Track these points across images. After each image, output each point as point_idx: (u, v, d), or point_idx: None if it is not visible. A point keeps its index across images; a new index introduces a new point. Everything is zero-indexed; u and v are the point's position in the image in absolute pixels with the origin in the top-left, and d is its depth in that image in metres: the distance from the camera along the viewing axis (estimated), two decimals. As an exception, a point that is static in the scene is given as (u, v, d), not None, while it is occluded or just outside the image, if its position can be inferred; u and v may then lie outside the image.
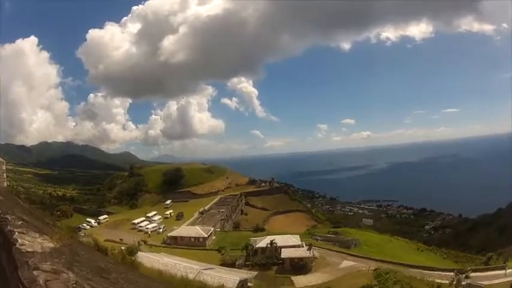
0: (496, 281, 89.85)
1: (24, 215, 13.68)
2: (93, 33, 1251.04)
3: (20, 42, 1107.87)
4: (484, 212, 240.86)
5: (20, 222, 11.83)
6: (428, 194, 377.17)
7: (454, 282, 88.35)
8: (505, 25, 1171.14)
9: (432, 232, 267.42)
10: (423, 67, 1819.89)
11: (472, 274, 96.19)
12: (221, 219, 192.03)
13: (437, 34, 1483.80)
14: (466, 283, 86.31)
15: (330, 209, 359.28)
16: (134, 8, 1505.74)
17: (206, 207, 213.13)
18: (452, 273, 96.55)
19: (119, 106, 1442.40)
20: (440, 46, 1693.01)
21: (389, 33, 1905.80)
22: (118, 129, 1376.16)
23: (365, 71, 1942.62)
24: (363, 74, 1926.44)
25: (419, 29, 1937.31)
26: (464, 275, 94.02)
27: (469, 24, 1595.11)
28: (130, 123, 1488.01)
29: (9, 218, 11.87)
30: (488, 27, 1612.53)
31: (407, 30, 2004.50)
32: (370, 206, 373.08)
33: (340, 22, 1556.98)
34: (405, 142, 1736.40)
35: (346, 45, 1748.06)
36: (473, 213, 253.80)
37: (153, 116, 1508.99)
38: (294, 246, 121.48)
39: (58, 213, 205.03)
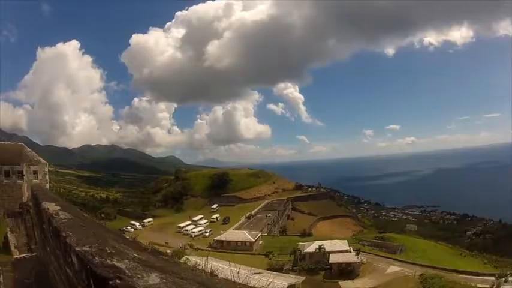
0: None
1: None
2: (137, 38, 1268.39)
3: (60, 45, 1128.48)
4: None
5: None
6: (470, 199, 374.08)
7: (494, 286, 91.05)
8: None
9: (474, 238, 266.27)
10: (465, 72, 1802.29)
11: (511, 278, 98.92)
12: (268, 224, 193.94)
13: (477, 38, 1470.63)
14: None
15: (375, 214, 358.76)
16: (178, 13, 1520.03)
17: (253, 212, 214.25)
18: (493, 278, 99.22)
19: (164, 110, 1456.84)
20: (481, 50, 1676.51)
21: (432, 38, 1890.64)
22: (163, 133, 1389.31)
23: (409, 76, 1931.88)
24: (407, 80, 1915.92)
25: (460, 34, 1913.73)
26: (503, 279, 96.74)
27: (506, 28, 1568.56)
28: (175, 127, 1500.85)
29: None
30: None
31: (448, 35, 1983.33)
32: (414, 211, 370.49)
33: (384, 27, 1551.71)
34: (449, 148, 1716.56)
35: (390, 51, 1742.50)
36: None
37: (199, 120, 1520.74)
38: (341, 252, 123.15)
39: (102, 215, 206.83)
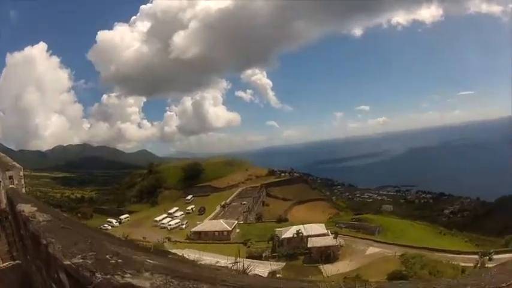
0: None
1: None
2: (102, 35, 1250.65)
3: (28, 49, 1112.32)
4: (501, 195, 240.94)
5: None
6: (446, 178, 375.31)
7: (479, 265, 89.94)
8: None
9: (451, 216, 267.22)
10: (435, 51, 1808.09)
11: (495, 256, 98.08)
12: (244, 212, 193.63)
13: (447, 17, 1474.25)
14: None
15: (349, 196, 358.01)
16: (142, 6, 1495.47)
17: (228, 201, 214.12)
18: (475, 256, 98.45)
19: (133, 105, 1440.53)
20: (451, 29, 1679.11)
21: (400, 17, 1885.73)
22: (133, 128, 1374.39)
23: (378, 56, 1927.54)
24: (376, 60, 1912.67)
25: (429, 12, 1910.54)
26: (487, 257, 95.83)
27: (477, 6, 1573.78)
28: (145, 121, 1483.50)
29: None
30: (496, 8, 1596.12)
31: (417, 14, 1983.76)
32: (388, 191, 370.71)
33: (351, 8, 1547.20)
34: (421, 127, 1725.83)
35: (358, 32, 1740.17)
36: (491, 196, 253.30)
37: (168, 112, 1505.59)
38: (319, 235, 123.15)
39: (78, 215, 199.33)
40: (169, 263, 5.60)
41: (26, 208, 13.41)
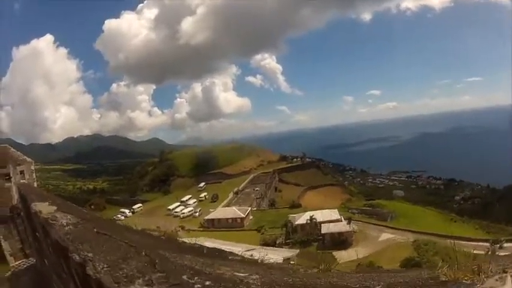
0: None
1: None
2: (109, 24, 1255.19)
3: (35, 42, 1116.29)
4: (510, 181, 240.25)
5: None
6: (456, 164, 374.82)
7: (490, 252, 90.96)
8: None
9: (462, 203, 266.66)
10: (444, 37, 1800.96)
11: (506, 244, 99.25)
12: (256, 198, 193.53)
13: (456, 3, 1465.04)
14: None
15: (361, 181, 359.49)
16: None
17: (240, 187, 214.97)
18: (486, 244, 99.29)
19: (143, 93, 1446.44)
20: (460, 15, 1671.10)
21: (409, 2, 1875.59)
22: (144, 116, 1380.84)
23: (387, 41, 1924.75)
24: (386, 45, 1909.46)
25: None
26: (498, 245, 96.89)
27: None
28: (155, 109, 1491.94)
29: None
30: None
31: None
32: (400, 177, 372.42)
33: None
34: (431, 112, 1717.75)
35: (367, 16, 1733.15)
36: (501, 183, 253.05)
37: (178, 99, 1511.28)
38: (333, 221, 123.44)
39: (91, 206, 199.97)
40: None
41: (44, 208, 11.64)
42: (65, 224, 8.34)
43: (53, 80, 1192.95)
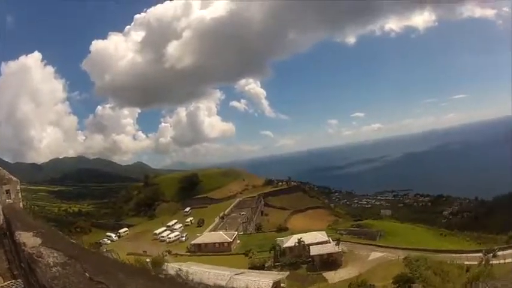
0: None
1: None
2: (96, 45, 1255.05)
3: (23, 58, 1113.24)
4: (499, 193, 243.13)
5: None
6: (442, 180, 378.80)
7: (483, 262, 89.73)
8: (505, 9, 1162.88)
9: (451, 217, 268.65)
10: (429, 56, 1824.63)
11: (499, 253, 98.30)
12: (243, 222, 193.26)
13: (440, 22, 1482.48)
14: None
15: (347, 203, 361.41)
16: (137, 16, 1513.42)
17: (226, 212, 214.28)
18: (479, 254, 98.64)
19: (128, 116, 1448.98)
20: (444, 34, 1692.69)
21: (393, 24, 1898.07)
22: (128, 139, 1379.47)
23: (371, 63, 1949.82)
24: (370, 67, 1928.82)
25: (422, 18, 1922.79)
26: (491, 254, 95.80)
27: (471, 10, 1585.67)
28: (140, 132, 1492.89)
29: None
30: (489, 12, 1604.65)
31: (410, 20, 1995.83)
32: (386, 197, 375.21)
33: (345, 16, 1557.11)
34: (416, 132, 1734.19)
35: (351, 39, 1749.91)
36: (489, 195, 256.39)
37: (163, 123, 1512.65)
38: (321, 243, 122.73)
39: (77, 229, 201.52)
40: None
41: (28, 239, 11.54)
42: (51, 263, 7.84)
43: (40, 98, 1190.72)
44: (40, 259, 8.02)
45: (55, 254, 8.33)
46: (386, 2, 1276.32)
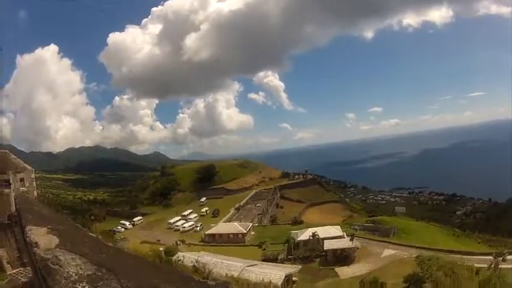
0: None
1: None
2: (114, 37, 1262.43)
3: (39, 51, 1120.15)
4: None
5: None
6: (458, 179, 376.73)
7: (493, 266, 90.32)
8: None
9: (464, 217, 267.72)
10: (446, 52, 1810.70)
11: (509, 257, 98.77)
12: (258, 214, 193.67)
13: (457, 18, 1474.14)
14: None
15: (363, 198, 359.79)
16: (154, 9, 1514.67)
17: (242, 203, 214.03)
18: (489, 257, 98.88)
19: (146, 107, 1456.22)
20: (461, 30, 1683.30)
21: (411, 19, 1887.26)
22: (146, 130, 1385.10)
23: (389, 58, 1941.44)
24: (387, 62, 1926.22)
25: (440, 14, 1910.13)
26: (501, 258, 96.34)
27: (487, 7, 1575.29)
28: (158, 123, 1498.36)
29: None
30: (505, 10, 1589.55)
31: (427, 15, 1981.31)
32: (401, 193, 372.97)
33: (362, 11, 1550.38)
34: (433, 128, 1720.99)
35: (369, 34, 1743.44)
36: (503, 197, 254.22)
37: (181, 114, 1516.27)
38: (335, 238, 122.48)
39: (92, 217, 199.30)
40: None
41: (41, 238, 9.77)
42: (73, 276, 6.33)
43: (56, 90, 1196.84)
44: (58, 268, 6.62)
45: (78, 261, 6.93)
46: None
